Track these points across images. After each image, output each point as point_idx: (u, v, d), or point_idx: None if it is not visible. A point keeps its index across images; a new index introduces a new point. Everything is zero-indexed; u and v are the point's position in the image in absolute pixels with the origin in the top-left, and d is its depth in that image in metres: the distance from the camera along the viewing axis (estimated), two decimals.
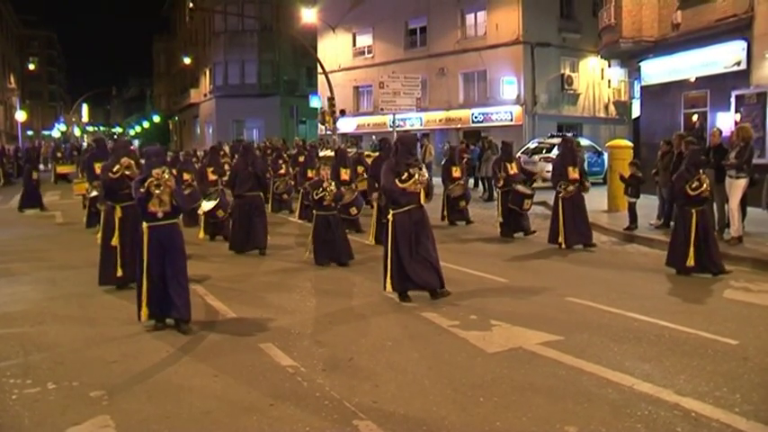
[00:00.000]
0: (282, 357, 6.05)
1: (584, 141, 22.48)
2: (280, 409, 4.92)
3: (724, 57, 17.21)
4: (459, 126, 31.90)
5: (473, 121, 31.51)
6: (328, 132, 31.36)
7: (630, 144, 17.38)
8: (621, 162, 15.52)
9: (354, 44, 37.73)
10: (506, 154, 13.40)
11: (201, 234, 13.02)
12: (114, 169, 8.50)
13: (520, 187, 12.77)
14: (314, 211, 10.46)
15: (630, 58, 22.69)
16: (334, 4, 37.10)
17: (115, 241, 8.58)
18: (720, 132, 12.23)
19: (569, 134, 25.15)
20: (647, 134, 20.16)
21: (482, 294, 8.35)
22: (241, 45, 48.25)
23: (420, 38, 34.24)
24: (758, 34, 16.24)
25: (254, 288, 9.04)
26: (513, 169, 13.00)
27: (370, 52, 36.81)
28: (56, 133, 74.69)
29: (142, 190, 6.74)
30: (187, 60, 51.74)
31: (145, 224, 6.85)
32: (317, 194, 10.13)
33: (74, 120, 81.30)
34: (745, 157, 10.96)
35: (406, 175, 7.74)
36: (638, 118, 23.10)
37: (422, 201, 7.92)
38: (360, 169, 14.51)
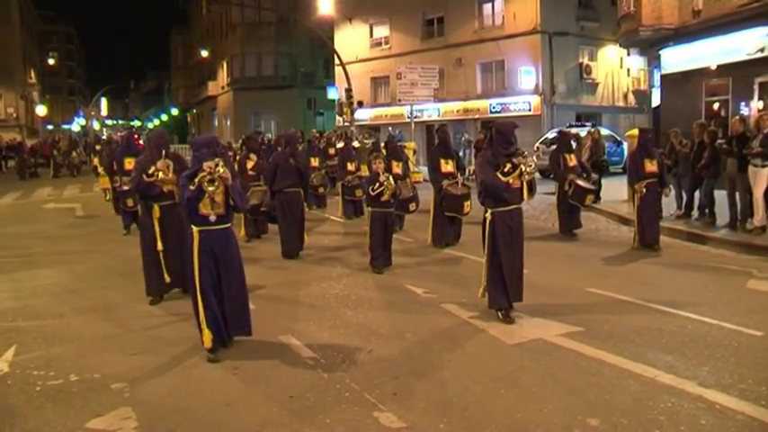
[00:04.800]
0: (302, 349, 6.06)
1: (603, 131, 22.25)
2: (300, 400, 4.92)
3: (747, 43, 16.94)
4: (477, 117, 31.72)
5: (491, 112, 31.27)
6: (346, 124, 31.32)
7: None
8: None
9: (371, 35, 37.59)
10: (566, 144, 12.33)
11: (242, 233, 11.90)
12: (150, 171, 7.55)
13: (581, 182, 11.86)
14: (369, 209, 9.56)
15: (650, 46, 22.41)
16: None
17: (161, 246, 7.71)
18: (743, 120, 12.03)
19: (588, 124, 25.01)
20: (668, 123, 19.90)
21: None
22: (258, 37, 48.27)
23: (437, 28, 34.04)
24: None
25: (274, 283, 9.00)
26: (572, 161, 12.04)
27: (387, 43, 36.67)
28: (75, 127, 75.33)
29: (192, 187, 5.70)
30: (204, 53, 51.86)
31: (195, 228, 5.86)
32: (373, 190, 9.22)
33: (93, 113, 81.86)
34: None
35: (509, 166, 6.68)
36: (657, 107, 22.85)
37: (525, 197, 6.90)
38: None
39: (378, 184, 9.20)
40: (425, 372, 5.45)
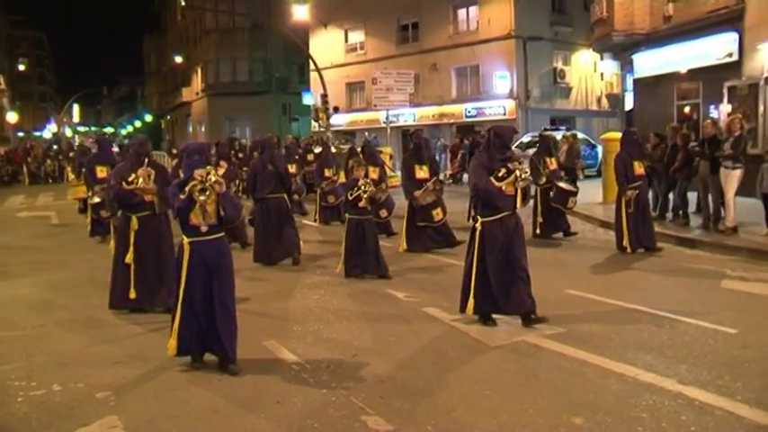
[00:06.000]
0: (287, 355, 6.07)
1: (578, 135, 22.52)
2: (287, 406, 4.94)
3: (716, 48, 17.31)
4: (452, 121, 31.94)
5: (466, 116, 31.53)
6: (322, 129, 31.33)
7: None
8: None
9: (346, 40, 37.69)
10: (545, 148, 12.25)
11: None
12: (130, 179, 7.30)
13: (563, 184, 11.75)
14: (346, 215, 9.48)
15: (623, 50, 22.79)
16: (326, 0, 37.02)
17: (129, 258, 7.45)
18: (714, 123, 12.28)
19: (563, 128, 25.31)
20: (641, 126, 20.17)
21: None
22: (232, 43, 48.09)
23: (412, 33, 34.23)
24: (749, 26, 16.34)
25: (255, 291, 8.91)
26: (553, 164, 11.89)
27: (362, 48, 36.78)
28: (47, 134, 74.28)
29: (182, 196, 5.46)
30: (178, 59, 51.54)
31: (186, 239, 5.65)
32: (350, 195, 9.17)
33: (65, 120, 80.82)
34: (740, 147, 11.03)
35: (503, 171, 6.50)
36: (631, 110, 23.21)
37: (518, 205, 6.67)
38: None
39: (355, 189, 9.11)
40: (410, 375, 5.50)
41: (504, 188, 6.50)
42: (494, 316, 6.88)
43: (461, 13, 32.17)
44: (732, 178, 11.14)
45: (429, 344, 6.32)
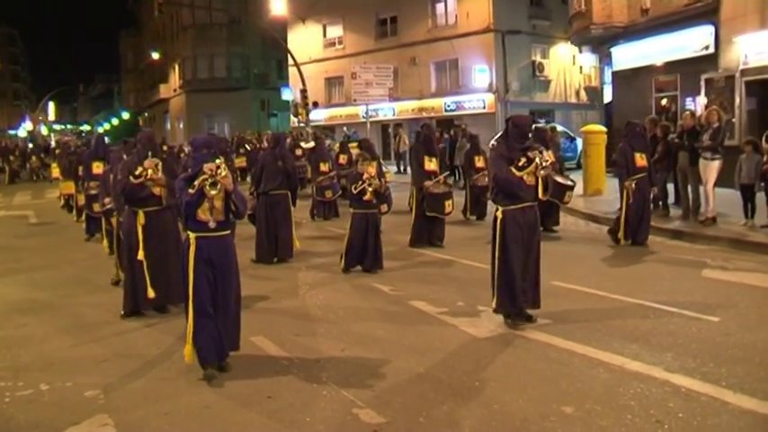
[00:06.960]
0: (275, 350, 6.07)
1: (558, 128, 22.65)
2: (278, 401, 4.94)
3: (693, 41, 17.51)
4: (431, 115, 31.97)
5: (446, 110, 31.59)
6: (301, 124, 31.23)
7: (605, 129, 17.59)
8: (596, 147, 15.76)
9: (325, 35, 37.57)
10: (541, 141, 11.60)
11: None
12: (137, 172, 7.06)
13: (560, 178, 11.24)
14: (351, 210, 9.41)
15: (601, 43, 22.97)
16: None
17: (141, 255, 7.18)
18: (693, 115, 12.43)
19: (542, 121, 25.42)
20: (619, 119, 20.42)
21: (467, 280, 8.42)
22: (210, 39, 47.76)
23: (390, 28, 34.19)
24: (725, 18, 16.54)
25: (245, 288, 8.88)
26: (550, 157, 11.86)
27: (340, 43, 36.68)
28: (22, 133, 73.27)
29: (191, 191, 5.30)
30: (155, 55, 51.01)
31: (192, 235, 5.45)
32: (355, 188, 9.06)
33: (40, 118, 79.76)
34: (719, 138, 11.19)
35: (523, 160, 6.33)
36: (609, 103, 23.40)
37: (540, 195, 6.48)
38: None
39: (360, 182, 9.06)
40: (400, 368, 5.52)
41: (524, 178, 6.35)
42: (479, 307, 6.93)
43: (440, 7, 32.18)
44: (711, 169, 11.29)
45: (416, 336, 6.35)
